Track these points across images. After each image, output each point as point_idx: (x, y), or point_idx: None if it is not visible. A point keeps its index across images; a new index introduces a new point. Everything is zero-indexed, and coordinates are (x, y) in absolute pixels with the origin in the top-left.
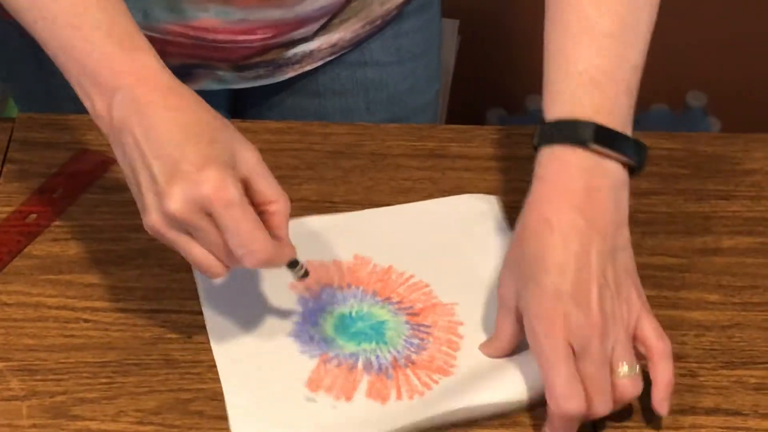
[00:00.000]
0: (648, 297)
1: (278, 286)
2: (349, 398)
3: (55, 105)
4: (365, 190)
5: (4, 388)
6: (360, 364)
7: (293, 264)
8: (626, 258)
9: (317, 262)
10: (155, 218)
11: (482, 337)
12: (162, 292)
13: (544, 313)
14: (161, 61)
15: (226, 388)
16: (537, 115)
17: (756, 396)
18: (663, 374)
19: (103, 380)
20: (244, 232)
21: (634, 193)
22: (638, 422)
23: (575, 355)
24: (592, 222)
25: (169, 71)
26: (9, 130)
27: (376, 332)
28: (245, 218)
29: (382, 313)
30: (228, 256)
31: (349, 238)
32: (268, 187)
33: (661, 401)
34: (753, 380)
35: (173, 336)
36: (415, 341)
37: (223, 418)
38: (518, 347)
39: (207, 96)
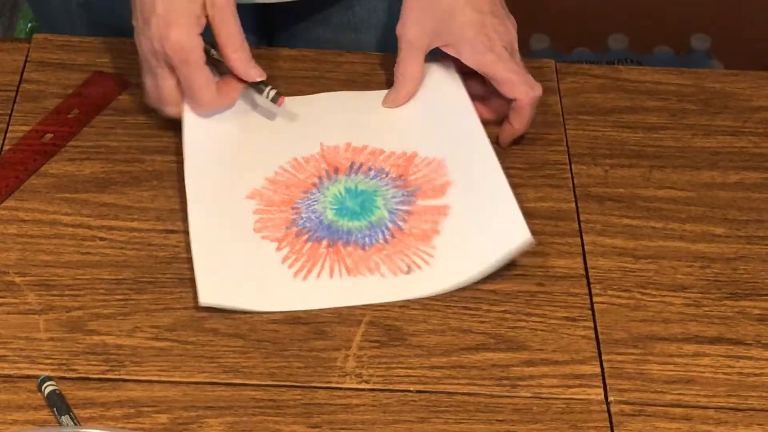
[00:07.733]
0: (654, 228)
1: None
2: (419, 266)
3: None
4: None
5: (21, 302)
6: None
7: (260, 89)
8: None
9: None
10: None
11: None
12: (175, 213)
13: (475, 32)
14: None
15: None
16: (544, 55)
17: (759, 326)
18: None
19: (119, 297)
20: (195, 86)
21: (643, 127)
22: (642, 349)
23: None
24: None
25: None
26: (25, 51)
27: (369, 202)
28: (197, 76)
29: (368, 185)
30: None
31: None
32: (229, 36)
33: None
34: (756, 311)
35: (187, 256)
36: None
37: (239, 335)
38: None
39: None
